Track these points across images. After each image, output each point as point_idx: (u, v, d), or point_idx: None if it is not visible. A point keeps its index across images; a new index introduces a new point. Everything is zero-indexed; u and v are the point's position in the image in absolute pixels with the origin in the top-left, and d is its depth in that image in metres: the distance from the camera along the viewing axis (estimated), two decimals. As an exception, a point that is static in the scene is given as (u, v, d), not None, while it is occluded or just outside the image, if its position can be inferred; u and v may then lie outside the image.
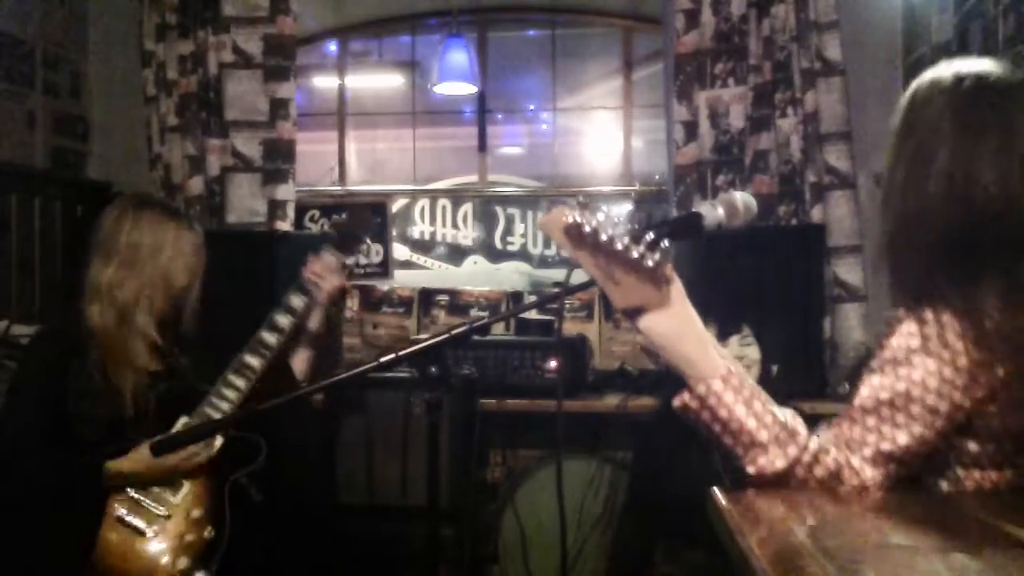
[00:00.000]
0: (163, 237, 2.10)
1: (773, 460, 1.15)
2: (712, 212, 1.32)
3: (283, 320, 2.18)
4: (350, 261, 2.46)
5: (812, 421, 1.28)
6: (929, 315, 1.16)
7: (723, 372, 1.17)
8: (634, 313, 1.17)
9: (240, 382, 2.08)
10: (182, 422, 2.01)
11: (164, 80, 3.37)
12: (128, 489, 1.94)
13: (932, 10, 2.87)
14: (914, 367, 1.15)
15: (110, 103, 3.65)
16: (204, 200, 3.34)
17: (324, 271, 2.26)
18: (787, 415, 1.20)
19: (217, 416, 2.03)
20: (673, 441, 2.38)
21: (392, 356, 1.31)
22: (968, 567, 0.82)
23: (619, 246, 1.10)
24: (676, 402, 1.20)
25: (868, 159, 3.08)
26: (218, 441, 2.01)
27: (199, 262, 2.17)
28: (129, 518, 1.91)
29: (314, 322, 2.32)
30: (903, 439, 1.15)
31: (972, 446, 1.17)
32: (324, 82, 4.34)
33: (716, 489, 1.11)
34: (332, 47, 4.23)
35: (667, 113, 3.35)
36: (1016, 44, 2.29)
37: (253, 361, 2.11)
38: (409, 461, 2.69)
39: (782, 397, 1.29)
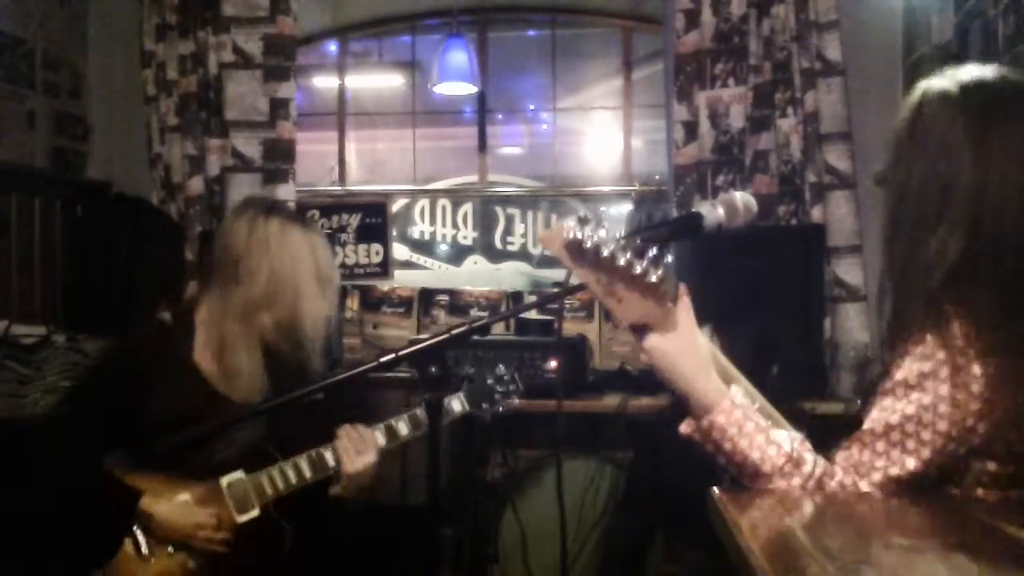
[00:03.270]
0: (299, 248, 1.97)
1: (776, 488, 1.16)
2: (712, 212, 1.32)
3: (387, 438, 2.02)
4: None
5: (813, 421, 1.27)
6: (943, 338, 1.13)
7: (725, 405, 1.17)
8: (639, 331, 1.16)
9: (308, 472, 1.95)
10: (234, 476, 1.92)
11: (164, 80, 3.37)
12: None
13: (932, 10, 2.87)
14: (925, 391, 1.13)
15: (110, 103, 3.65)
16: (204, 200, 3.34)
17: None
18: (794, 442, 1.19)
19: (269, 489, 1.92)
20: (673, 441, 2.38)
21: (392, 356, 1.31)
22: (968, 567, 0.82)
23: (621, 262, 1.08)
24: (682, 429, 1.21)
25: (868, 159, 3.08)
26: (253, 512, 1.91)
27: (332, 285, 2.05)
28: (139, 535, 1.87)
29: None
30: (912, 464, 1.13)
31: (992, 467, 1.16)
32: (324, 82, 4.34)
33: (716, 489, 1.11)
34: (332, 47, 4.22)
35: (667, 113, 3.35)
36: (1016, 44, 2.29)
37: (330, 460, 1.96)
38: (409, 461, 2.69)
39: (782, 397, 1.29)
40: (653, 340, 1.16)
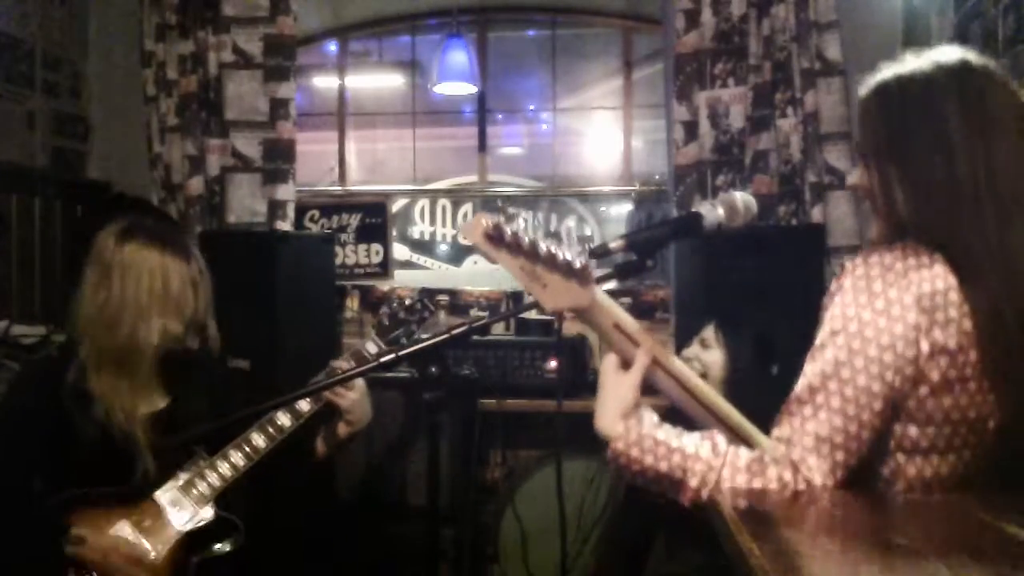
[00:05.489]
0: (148, 271, 1.89)
1: (698, 488, 1.15)
2: (712, 212, 1.32)
3: (304, 406, 1.96)
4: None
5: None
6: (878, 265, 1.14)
7: (619, 432, 1.25)
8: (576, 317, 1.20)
9: (240, 461, 1.90)
10: (167, 489, 1.87)
11: (164, 80, 3.37)
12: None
13: (932, 10, 2.87)
14: (839, 347, 1.14)
15: (110, 103, 3.65)
16: (204, 200, 3.34)
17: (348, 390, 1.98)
18: (695, 441, 1.19)
19: (205, 489, 1.87)
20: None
21: (392, 356, 1.31)
22: (968, 567, 0.82)
23: (542, 250, 1.10)
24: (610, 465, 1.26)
25: (868, 159, 3.07)
26: (209, 514, 1.86)
27: (192, 295, 1.93)
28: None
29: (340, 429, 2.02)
30: (838, 421, 1.12)
31: (912, 431, 1.15)
32: (324, 82, 4.34)
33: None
34: (332, 47, 4.23)
35: (667, 113, 3.35)
36: (1016, 44, 2.29)
37: (259, 441, 1.92)
38: (409, 461, 2.69)
39: (782, 397, 1.29)
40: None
